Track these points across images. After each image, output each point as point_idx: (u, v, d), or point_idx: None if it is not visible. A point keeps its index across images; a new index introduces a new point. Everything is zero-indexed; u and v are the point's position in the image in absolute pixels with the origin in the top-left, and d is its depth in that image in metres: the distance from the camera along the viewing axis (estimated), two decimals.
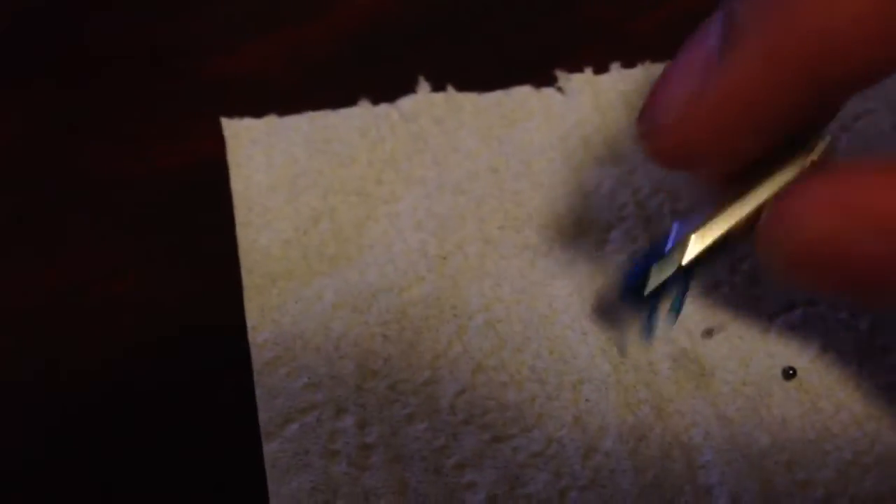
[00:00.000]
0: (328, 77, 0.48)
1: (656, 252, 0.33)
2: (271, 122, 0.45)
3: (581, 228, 0.42)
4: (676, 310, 0.35)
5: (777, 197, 0.30)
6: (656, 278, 0.33)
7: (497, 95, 0.46)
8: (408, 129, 0.45)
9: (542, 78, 0.46)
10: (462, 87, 0.46)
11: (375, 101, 0.46)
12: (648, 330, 0.36)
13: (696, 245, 0.32)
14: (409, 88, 0.46)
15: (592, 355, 0.39)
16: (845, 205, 0.28)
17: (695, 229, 0.32)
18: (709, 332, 0.39)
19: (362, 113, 0.45)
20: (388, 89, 0.46)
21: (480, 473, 0.36)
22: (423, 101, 0.45)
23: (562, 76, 0.46)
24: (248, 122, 0.44)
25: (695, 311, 0.40)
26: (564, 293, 0.40)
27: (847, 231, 0.28)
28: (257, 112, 0.45)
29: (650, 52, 0.47)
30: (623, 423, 0.37)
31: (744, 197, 0.32)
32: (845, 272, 0.29)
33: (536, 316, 0.40)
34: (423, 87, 0.46)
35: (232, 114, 0.45)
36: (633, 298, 0.34)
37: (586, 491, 0.36)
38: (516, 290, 0.40)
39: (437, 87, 0.46)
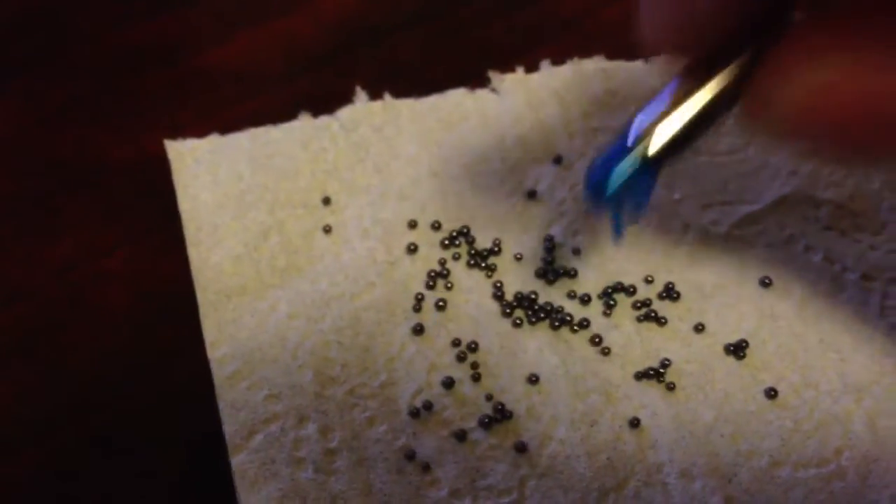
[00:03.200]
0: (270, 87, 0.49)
1: (619, 147, 0.31)
2: (214, 140, 0.45)
3: (523, 226, 0.44)
4: (642, 205, 0.32)
5: (770, 57, 0.28)
6: (620, 174, 0.31)
7: (433, 100, 0.47)
8: (348, 138, 0.46)
9: (476, 80, 0.48)
10: (400, 93, 0.47)
11: (315, 113, 0.47)
12: (616, 229, 0.34)
13: (661, 136, 0.30)
14: (346, 97, 0.47)
15: (540, 349, 0.40)
16: (852, 46, 0.26)
17: (658, 119, 0.30)
18: (651, 315, 0.41)
19: (303, 126, 0.46)
20: (328, 100, 0.47)
21: (442, 469, 0.37)
22: (362, 110, 0.47)
23: (495, 77, 0.48)
24: (190, 143, 0.45)
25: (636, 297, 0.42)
26: (511, 290, 0.42)
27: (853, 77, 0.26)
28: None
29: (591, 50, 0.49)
30: (574, 410, 0.39)
31: (707, 82, 0.30)
32: (854, 119, 0.26)
33: (485, 313, 0.41)
34: (361, 96, 0.47)
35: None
36: (597, 197, 0.31)
37: (544, 478, 0.37)
38: (464, 289, 0.42)
39: (375, 94, 0.47)
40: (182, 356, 0.41)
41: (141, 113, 0.49)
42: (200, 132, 0.46)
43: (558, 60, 0.48)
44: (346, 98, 0.47)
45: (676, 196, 0.44)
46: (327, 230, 0.43)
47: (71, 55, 0.51)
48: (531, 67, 0.48)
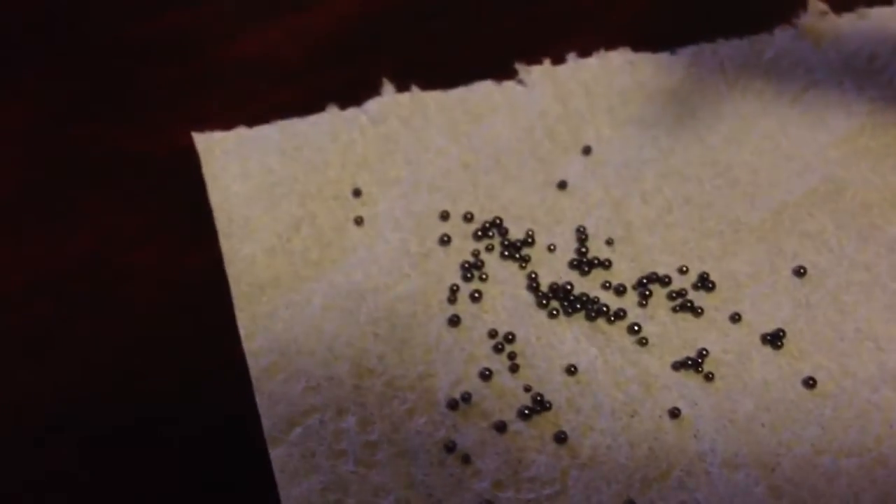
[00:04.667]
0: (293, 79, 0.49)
1: None
2: (242, 133, 0.45)
3: (555, 217, 0.44)
4: None
5: None
6: None
7: (460, 92, 0.47)
8: (377, 130, 0.45)
9: (503, 72, 0.48)
10: (425, 84, 0.47)
11: (342, 105, 0.46)
12: None
13: None
14: (374, 89, 0.47)
15: (577, 339, 0.40)
16: None
17: None
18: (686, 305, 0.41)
19: (331, 118, 0.46)
20: (354, 92, 0.47)
21: (483, 461, 0.37)
22: (390, 103, 0.46)
23: (521, 69, 0.47)
24: (219, 135, 0.45)
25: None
26: (545, 281, 0.42)
27: None
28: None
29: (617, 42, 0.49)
30: (614, 401, 0.38)
31: None
32: None
33: (520, 304, 0.41)
34: (388, 88, 0.47)
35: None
36: None
37: (586, 469, 0.37)
38: (499, 280, 0.42)
39: (401, 86, 0.47)
40: (211, 349, 0.40)
41: (162, 106, 0.48)
42: (225, 125, 0.46)
43: (585, 52, 0.48)
44: (370, 90, 0.47)
45: (708, 187, 0.44)
46: (359, 222, 0.43)
47: (91, 48, 0.51)
48: (557, 59, 0.48)
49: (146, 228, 0.44)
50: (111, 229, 0.44)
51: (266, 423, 0.37)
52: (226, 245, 0.42)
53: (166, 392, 0.39)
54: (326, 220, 0.43)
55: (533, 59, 0.48)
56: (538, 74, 0.47)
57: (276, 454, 0.37)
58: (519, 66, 0.48)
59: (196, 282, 0.42)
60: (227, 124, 0.46)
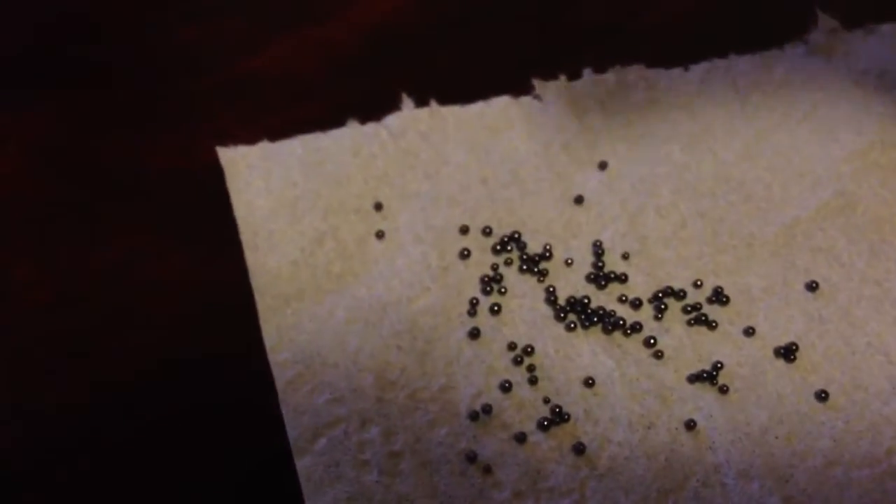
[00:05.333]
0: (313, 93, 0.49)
1: None
2: (265, 147, 0.46)
3: (572, 231, 0.44)
4: None
5: None
6: None
7: (478, 107, 0.48)
8: (397, 145, 0.46)
9: (519, 87, 0.49)
10: (444, 99, 0.48)
11: (362, 119, 0.47)
12: None
13: None
14: (393, 103, 0.48)
15: (595, 352, 0.41)
16: None
17: None
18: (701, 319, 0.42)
19: (352, 133, 0.47)
20: (373, 106, 0.48)
21: (504, 471, 0.38)
22: (409, 117, 0.47)
23: (538, 84, 0.48)
24: (242, 149, 0.46)
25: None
26: (563, 294, 0.42)
27: None
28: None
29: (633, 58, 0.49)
30: (631, 413, 0.39)
31: None
32: None
33: (538, 317, 0.42)
34: (407, 103, 0.48)
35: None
36: None
37: (604, 479, 0.38)
38: (518, 294, 0.42)
39: (420, 101, 0.48)
40: (237, 361, 0.41)
41: (185, 120, 0.49)
42: (246, 139, 0.47)
43: (600, 69, 0.49)
44: (390, 104, 0.48)
45: (722, 202, 0.45)
46: (380, 236, 0.44)
47: (113, 63, 0.52)
48: (573, 75, 0.49)
49: (172, 242, 0.45)
50: (137, 243, 0.45)
51: (291, 433, 0.38)
52: (251, 258, 0.43)
53: (192, 404, 0.40)
54: (348, 233, 0.44)
55: (549, 75, 0.49)
56: (554, 90, 0.48)
57: (301, 464, 0.38)
58: (536, 82, 0.48)
59: (222, 294, 0.42)
60: (249, 138, 0.47)
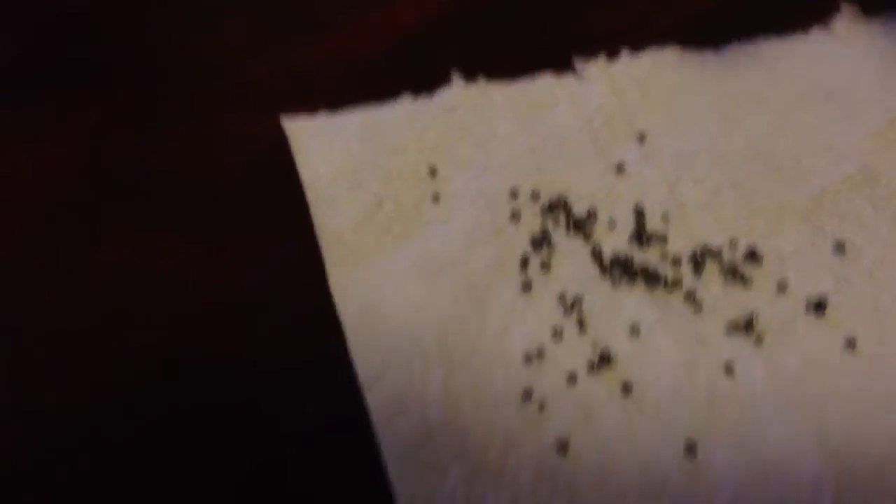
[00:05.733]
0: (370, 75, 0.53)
1: None
2: (325, 118, 0.49)
3: (614, 197, 0.48)
4: None
5: None
6: None
7: (524, 84, 0.51)
8: (449, 118, 0.50)
9: (561, 66, 0.52)
10: (491, 77, 0.51)
11: (415, 95, 0.51)
12: None
13: None
14: (442, 81, 0.51)
15: (639, 304, 0.44)
16: None
17: None
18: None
19: (406, 106, 0.50)
20: (425, 83, 0.51)
21: (557, 408, 0.41)
22: (459, 93, 0.51)
23: (580, 64, 0.52)
24: (304, 120, 0.49)
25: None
26: (608, 253, 0.45)
27: None
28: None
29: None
30: (674, 357, 0.42)
31: None
32: None
33: (585, 273, 0.45)
34: (457, 79, 0.51)
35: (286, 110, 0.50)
36: None
37: (649, 416, 0.41)
38: (565, 252, 0.46)
39: (469, 77, 0.51)
40: (307, 305, 0.44)
41: (254, 96, 0.52)
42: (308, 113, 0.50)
43: (637, 50, 0.52)
44: (441, 82, 0.51)
45: (753, 173, 0.48)
46: (436, 199, 0.47)
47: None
48: (612, 55, 0.52)
49: (245, 205, 0.47)
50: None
51: (360, 370, 0.41)
52: (317, 218, 0.46)
53: (262, 344, 0.43)
54: (406, 197, 0.47)
55: (590, 55, 0.52)
56: (595, 69, 0.52)
57: (370, 398, 0.40)
58: (577, 62, 0.52)
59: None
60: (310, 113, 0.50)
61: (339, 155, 0.48)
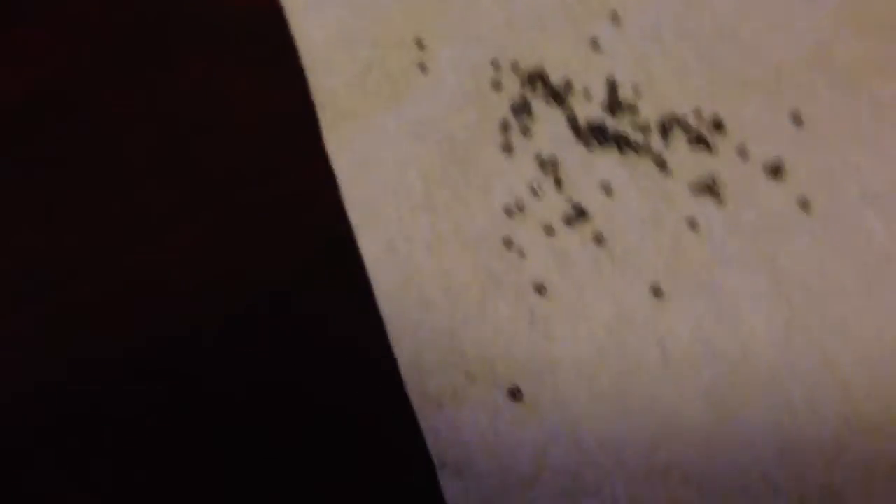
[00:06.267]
0: None
1: None
2: None
3: (589, 70, 0.51)
4: None
5: None
6: None
7: None
8: None
9: None
10: None
11: None
12: None
13: None
14: None
15: (611, 166, 0.47)
16: None
17: None
18: None
19: None
20: None
21: (535, 254, 0.44)
22: None
23: None
24: None
25: None
26: (582, 120, 0.49)
27: None
28: None
29: None
30: (642, 211, 0.46)
31: None
32: None
33: (562, 138, 0.48)
34: None
35: None
36: None
37: (619, 262, 0.44)
38: (543, 119, 0.49)
39: None
40: (303, 169, 0.47)
41: None
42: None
43: None
44: None
45: (718, 47, 0.51)
46: (422, 67, 0.50)
47: None
48: None
49: (243, 71, 0.50)
50: (216, 74, 0.50)
51: (353, 217, 0.44)
52: (312, 78, 0.48)
53: (265, 202, 0.46)
54: (394, 64, 0.50)
55: None
56: None
57: (362, 243, 0.44)
58: None
59: (287, 109, 0.48)
60: None
61: (332, 21, 0.51)
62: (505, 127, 0.48)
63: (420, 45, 0.51)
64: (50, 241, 0.45)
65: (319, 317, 0.43)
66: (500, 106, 0.49)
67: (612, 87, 0.50)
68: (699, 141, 0.48)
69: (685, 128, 0.49)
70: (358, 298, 0.43)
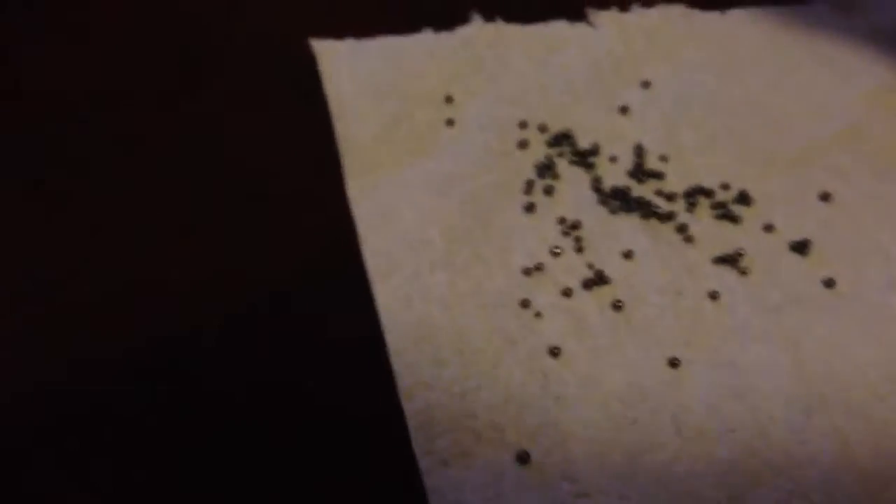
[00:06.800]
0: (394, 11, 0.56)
1: None
2: (351, 43, 0.52)
3: (617, 135, 0.50)
4: None
5: None
6: None
7: (538, 27, 0.54)
8: (466, 52, 0.53)
9: (574, 14, 0.55)
10: (508, 20, 0.54)
11: (436, 30, 0.53)
12: None
13: None
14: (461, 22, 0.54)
15: (634, 232, 0.47)
16: None
17: None
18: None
19: (427, 38, 0.53)
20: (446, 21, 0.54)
21: (551, 317, 0.44)
22: (477, 30, 0.53)
23: (591, 13, 0.55)
24: (332, 42, 0.52)
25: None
26: (607, 184, 0.48)
27: None
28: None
29: None
30: (663, 281, 0.45)
31: None
32: None
33: (585, 200, 0.48)
34: (476, 18, 0.54)
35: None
36: None
37: (637, 331, 0.43)
38: (568, 180, 0.48)
39: (487, 17, 0.54)
40: (323, 211, 0.47)
41: (278, 20, 0.55)
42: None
43: (647, 4, 0.55)
44: (460, 19, 0.54)
45: (748, 123, 0.51)
46: (450, 123, 0.50)
47: None
48: (623, 8, 0.55)
49: (267, 117, 0.50)
50: (240, 105, 0.51)
51: (371, 267, 0.44)
52: (339, 126, 0.48)
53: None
54: (422, 118, 0.50)
55: (602, 6, 0.55)
56: (606, 18, 0.55)
57: (378, 292, 0.43)
58: (589, 11, 0.55)
59: (312, 154, 0.48)
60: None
61: (363, 74, 0.51)
62: (529, 186, 0.48)
63: (449, 100, 0.51)
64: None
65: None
66: (525, 166, 0.49)
67: (640, 154, 0.50)
68: (724, 213, 0.48)
69: (711, 199, 0.48)
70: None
